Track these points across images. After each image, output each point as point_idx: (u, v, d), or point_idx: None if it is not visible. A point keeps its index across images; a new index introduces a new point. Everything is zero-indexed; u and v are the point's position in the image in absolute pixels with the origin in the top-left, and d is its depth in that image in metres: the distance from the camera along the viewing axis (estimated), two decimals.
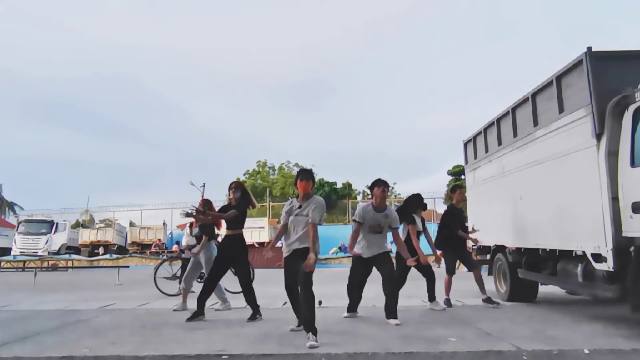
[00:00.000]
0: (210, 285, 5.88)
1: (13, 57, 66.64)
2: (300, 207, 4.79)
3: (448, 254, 7.05)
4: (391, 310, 5.40)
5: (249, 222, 10.72)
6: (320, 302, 6.11)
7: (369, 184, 6.09)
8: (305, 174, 4.86)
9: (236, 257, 5.98)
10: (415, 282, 6.42)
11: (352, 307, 5.89)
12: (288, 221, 4.84)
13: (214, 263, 6.02)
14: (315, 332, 4.28)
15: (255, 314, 5.73)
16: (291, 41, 77.50)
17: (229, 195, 6.10)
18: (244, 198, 6.04)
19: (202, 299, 5.79)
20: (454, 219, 7.06)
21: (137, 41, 77.18)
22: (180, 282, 9.38)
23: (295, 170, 40.94)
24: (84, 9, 73.00)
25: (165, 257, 16.88)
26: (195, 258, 6.73)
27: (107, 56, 71.47)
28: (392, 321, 5.29)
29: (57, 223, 29.05)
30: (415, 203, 6.51)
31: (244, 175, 41.68)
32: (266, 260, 6.06)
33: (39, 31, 71.02)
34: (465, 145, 9.14)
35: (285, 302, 5.97)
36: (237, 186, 6.10)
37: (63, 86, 70.71)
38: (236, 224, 5.94)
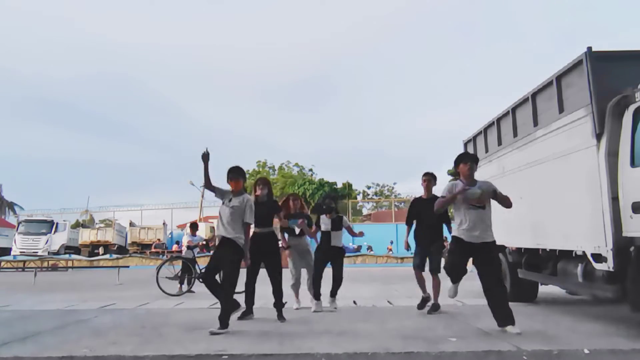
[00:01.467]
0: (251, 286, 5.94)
1: (12, 56, 66.63)
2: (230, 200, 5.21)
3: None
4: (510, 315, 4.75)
5: None
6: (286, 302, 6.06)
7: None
8: (235, 173, 5.28)
9: (270, 253, 5.86)
10: (415, 282, 6.40)
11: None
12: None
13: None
14: (224, 326, 4.82)
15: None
16: (291, 40, 77.59)
17: (256, 191, 6.02)
18: (271, 195, 6.15)
19: (248, 300, 5.86)
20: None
21: (137, 40, 77.27)
22: (181, 283, 9.40)
23: (296, 170, 40.97)
24: (83, 8, 73.02)
25: (168, 257, 16.87)
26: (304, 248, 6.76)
27: (107, 55, 71.62)
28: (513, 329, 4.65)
29: (57, 223, 29.08)
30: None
31: None
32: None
33: (38, 30, 71.10)
34: (465, 145, 9.14)
35: (286, 302, 5.98)
36: (265, 183, 6.15)
37: (63, 86, 70.79)
38: (268, 220, 5.94)
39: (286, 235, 6.58)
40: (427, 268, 6.11)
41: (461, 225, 4.90)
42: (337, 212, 6.70)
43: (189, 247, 9.81)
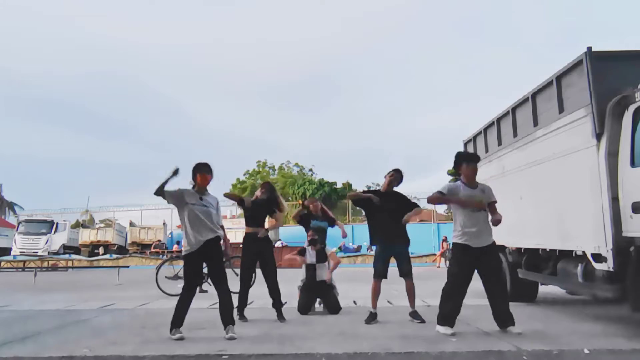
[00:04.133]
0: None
1: (11, 55, 66.65)
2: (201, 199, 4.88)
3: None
4: (510, 316, 4.73)
5: None
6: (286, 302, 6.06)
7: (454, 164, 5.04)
8: (208, 168, 4.94)
9: (264, 252, 5.92)
10: (415, 282, 6.39)
11: (449, 320, 4.75)
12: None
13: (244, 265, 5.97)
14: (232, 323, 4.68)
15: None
16: (291, 39, 77.58)
17: (259, 193, 6.15)
18: (276, 199, 6.15)
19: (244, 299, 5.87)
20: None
21: (137, 39, 77.27)
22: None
23: (296, 170, 40.96)
24: (83, 7, 73.03)
25: (167, 257, 16.88)
26: None
27: (106, 55, 71.61)
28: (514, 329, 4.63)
29: (57, 223, 29.05)
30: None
31: (244, 175, 41.64)
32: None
33: (38, 29, 71.09)
34: (465, 145, 9.14)
35: (286, 302, 5.98)
36: (271, 190, 6.22)
37: (63, 85, 70.81)
38: (262, 220, 6.06)
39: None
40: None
41: (465, 229, 4.69)
42: (322, 245, 6.47)
43: None
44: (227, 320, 4.68)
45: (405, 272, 5.52)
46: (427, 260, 22.85)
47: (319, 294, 6.37)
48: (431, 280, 8.73)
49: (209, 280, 5.13)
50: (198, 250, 4.71)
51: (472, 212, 4.71)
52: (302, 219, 6.76)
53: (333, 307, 6.27)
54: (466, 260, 4.70)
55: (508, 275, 7.16)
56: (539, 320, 5.50)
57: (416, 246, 6.23)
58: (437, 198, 4.94)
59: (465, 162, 4.89)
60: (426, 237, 26.45)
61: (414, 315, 5.48)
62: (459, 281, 4.72)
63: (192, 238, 4.71)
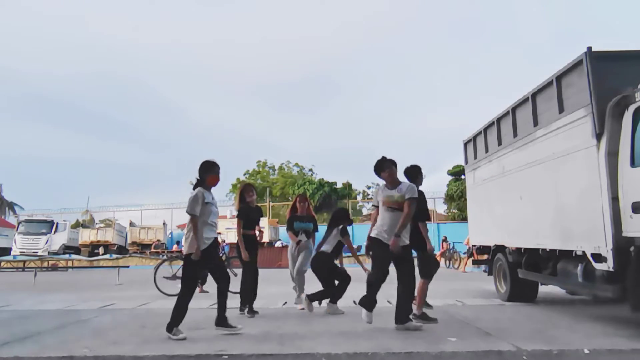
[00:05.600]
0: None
1: (11, 54, 66.66)
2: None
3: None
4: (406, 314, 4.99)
5: None
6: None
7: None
8: (217, 170, 5.01)
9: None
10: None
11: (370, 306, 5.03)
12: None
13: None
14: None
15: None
16: (291, 39, 77.53)
17: (246, 197, 6.36)
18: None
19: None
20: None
21: (137, 39, 77.18)
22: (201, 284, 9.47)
23: (296, 170, 40.98)
24: (83, 7, 73.04)
25: (165, 257, 16.89)
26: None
27: (106, 54, 71.47)
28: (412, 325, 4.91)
29: (57, 223, 29.04)
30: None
31: (244, 175, 41.70)
32: (267, 260, 6.13)
33: (38, 28, 71.04)
34: (465, 145, 9.14)
35: (286, 302, 5.98)
36: (253, 189, 6.61)
37: (63, 85, 70.79)
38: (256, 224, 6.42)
39: (303, 237, 6.56)
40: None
41: (382, 227, 5.04)
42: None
43: None
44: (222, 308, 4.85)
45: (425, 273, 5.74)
46: None
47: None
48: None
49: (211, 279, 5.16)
50: (205, 250, 4.73)
51: (385, 211, 5.05)
52: (288, 220, 6.80)
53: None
54: (380, 250, 5.02)
55: (508, 275, 7.18)
56: (539, 320, 5.50)
57: None
58: (375, 212, 5.29)
59: (382, 171, 5.17)
60: None
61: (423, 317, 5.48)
62: (381, 264, 5.02)
63: (212, 233, 4.84)
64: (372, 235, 5.12)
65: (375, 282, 4.97)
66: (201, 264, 4.75)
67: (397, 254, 4.91)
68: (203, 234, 4.72)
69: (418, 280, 5.39)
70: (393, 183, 5.13)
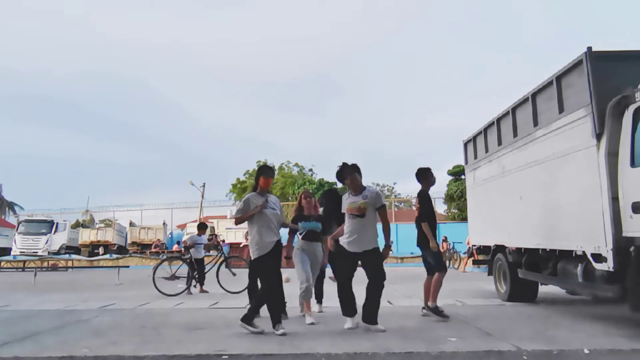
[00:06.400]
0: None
1: (11, 54, 66.65)
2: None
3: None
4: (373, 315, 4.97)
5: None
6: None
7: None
8: (271, 170, 5.14)
9: None
10: (415, 282, 6.41)
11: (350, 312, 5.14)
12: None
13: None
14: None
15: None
16: (292, 38, 77.54)
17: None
18: None
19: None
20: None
21: (137, 38, 77.20)
22: (201, 284, 9.45)
23: (296, 170, 40.96)
24: (83, 7, 73.03)
25: (164, 257, 16.87)
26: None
27: (106, 54, 71.50)
28: (374, 327, 4.88)
29: (57, 223, 29.07)
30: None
31: (244, 175, 41.63)
32: None
33: (38, 27, 71.06)
34: (465, 145, 9.14)
35: (286, 302, 5.97)
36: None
37: (63, 84, 70.80)
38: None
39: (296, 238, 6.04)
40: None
41: (347, 235, 5.07)
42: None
43: (186, 247, 9.87)
44: (276, 317, 4.79)
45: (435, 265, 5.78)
46: None
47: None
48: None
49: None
50: (268, 254, 4.83)
51: (349, 219, 5.07)
52: (293, 220, 6.21)
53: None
54: (346, 263, 5.08)
55: (508, 275, 7.17)
56: (539, 320, 5.50)
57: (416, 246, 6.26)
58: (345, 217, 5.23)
59: (345, 179, 5.21)
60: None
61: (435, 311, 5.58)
62: (344, 271, 5.13)
63: (262, 241, 4.84)
64: (340, 242, 5.15)
65: (340, 287, 5.09)
66: (270, 265, 4.85)
67: (359, 259, 5.00)
68: (260, 236, 4.83)
69: (422, 278, 5.42)
70: (356, 189, 5.16)
